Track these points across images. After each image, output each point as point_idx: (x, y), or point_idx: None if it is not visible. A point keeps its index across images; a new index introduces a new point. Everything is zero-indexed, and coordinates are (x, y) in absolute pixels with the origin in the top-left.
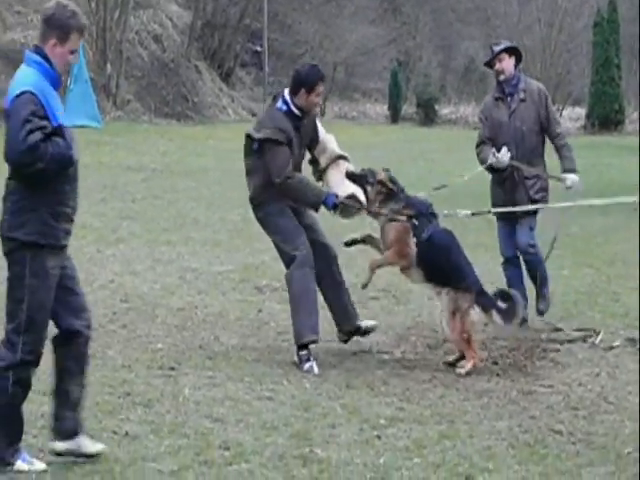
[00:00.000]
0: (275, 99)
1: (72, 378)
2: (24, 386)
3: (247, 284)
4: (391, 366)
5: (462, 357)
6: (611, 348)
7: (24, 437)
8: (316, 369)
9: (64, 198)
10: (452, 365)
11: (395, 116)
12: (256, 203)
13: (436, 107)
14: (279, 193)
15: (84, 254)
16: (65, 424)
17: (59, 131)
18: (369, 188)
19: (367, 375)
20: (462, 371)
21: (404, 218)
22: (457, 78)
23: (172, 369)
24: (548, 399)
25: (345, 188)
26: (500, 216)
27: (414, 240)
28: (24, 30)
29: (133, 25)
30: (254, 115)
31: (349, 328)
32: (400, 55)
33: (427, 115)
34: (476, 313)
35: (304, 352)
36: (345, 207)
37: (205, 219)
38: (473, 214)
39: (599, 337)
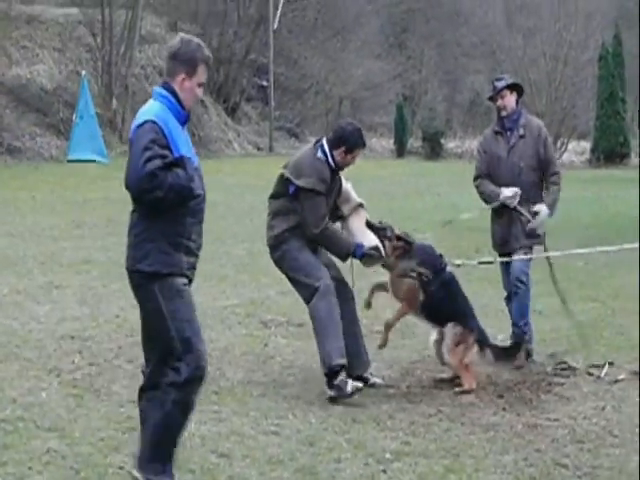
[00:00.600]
0: (315, 146)
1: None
2: (185, 406)
3: (253, 319)
4: (397, 400)
5: (455, 377)
6: (616, 381)
7: (27, 472)
8: (360, 384)
9: (185, 231)
10: (445, 382)
11: (401, 150)
12: (276, 243)
13: (442, 141)
14: (302, 234)
15: (89, 289)
16: None
17: (181, 162)
18: (386, 242)
19: (373, 409)
20: (457, 389)
21: (414, 274)
22: (463, 112)
23: None
24: (554, 433)
25: (369, 238)
26: (500, 252)
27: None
28: (29, 65)
29: (139, 60)
30: (260, 149)
31: (358, 373)
32: (405, 89)
33: (433, 149)
34: (475, 353)
35: (339, 378)
36: (370, 257)
37: (211, 253)
38: (480, 263)
39: (604, 370)
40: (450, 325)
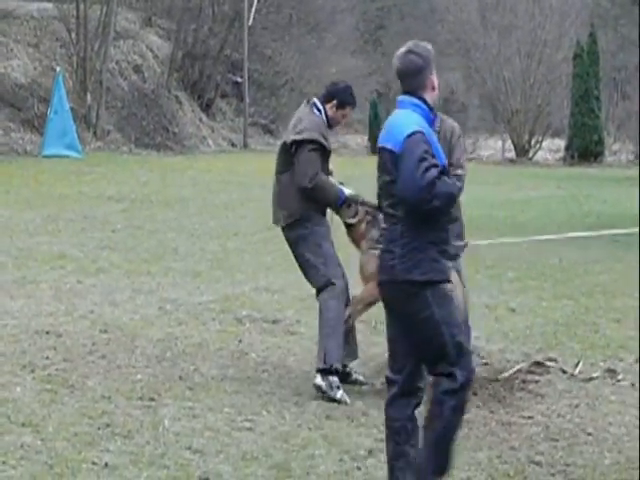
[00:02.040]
0: (309, 104)
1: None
2: (462, 411)
3: (227, 315)
4: (371, 397)
5: None
6: (590, 379)
7: (1, 467)
8: (347, 399)
9: (447, 237)
10: None
11: (375, 147)
12: (293, 223)
13: None
14: (316, 208)
15: (64, 284)
16: None
17: (445, 170)
18: (360, 208)
19: (347, 406)
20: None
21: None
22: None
23: (152, 400)
24: (527, 430)
25: (346, 189)
26: None
27: None
28: (4, 60)
29: (113, 55)
30: (234, 145)
31: (347, 362)
32: (380, 86)
33: None
34: None
35: (335, 378)
36: (349, 204)
37: (185, 249)
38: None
39: (578, 368)
40: None
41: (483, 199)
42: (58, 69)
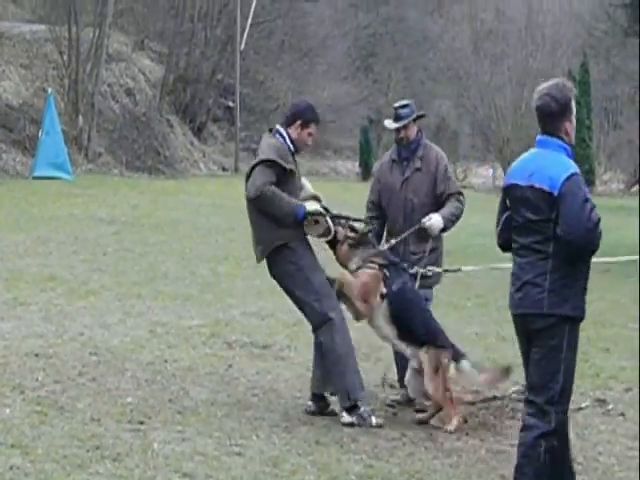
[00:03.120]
0: (272, 132)
1: None
2: (554, 455)
3: (217, 339)
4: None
5: (434, 413)
6: (580, 409)
7: None
8: (381, 421)
9: (588, 275)
10: (424, 423)
11: (366, 173)
12: (275, 256)
13: None
14: (299, 237)
15: (54, 306)
16: None
17: None
18: (339, 228)
19: (336, 432)
20: (451, 428)
21: (375, 266)
22: (429, 136)
23: (141, 423)
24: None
25: (314, 205)
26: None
27: (384, 290)
28: None
29: (105, 78)
30: (225, 170)
31: (319, 391)
32: (371, 112)
33: None
34: (452, 367)
35: (362, 409)
36: (311, 223)
37: (175, 273)
38: (445, 271)
39: None
40: (423, 350)
41: (474, 227)
42: (50, 91)
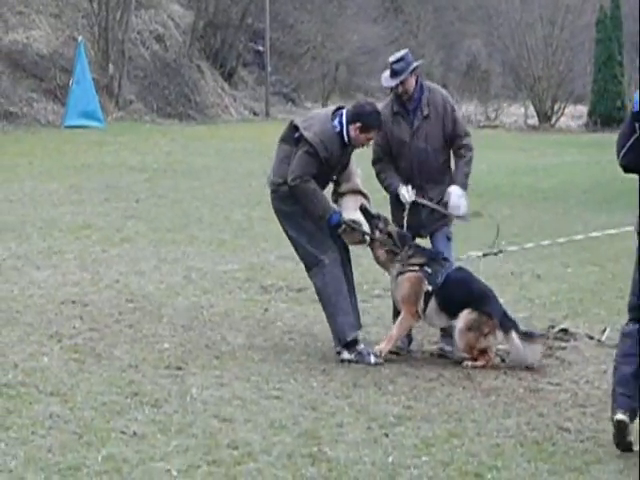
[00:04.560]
0: (335, 114)
1: None
2: None
3: (253, 284)
4: (398, 365)
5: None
6: (617, 346)
7: (30, 436)
8: (381, 359)
9: None
10: (461, 362)
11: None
12: (281, 193)
13: None
14: None
15: (89, 254)
16: None
17: None
18: (377, 232)
19: (374, 374)
20: (469, 363)
21: (416, 267)
22: (459, 76)
23: (179, 369)
24: (556, 397)
25: (352, 214)
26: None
27: (429, 288)
28: (26, 31)
29: (135, 25)
30: (256, 114)
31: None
32: None
33: None
34: (495, 340)
35: (361, 346)
36: (347, 230)
37: (209, 218)
38: (484, 255)
39: (605, 334)
40: (465, 311)
41: (506, 166)
42: (80, 39)
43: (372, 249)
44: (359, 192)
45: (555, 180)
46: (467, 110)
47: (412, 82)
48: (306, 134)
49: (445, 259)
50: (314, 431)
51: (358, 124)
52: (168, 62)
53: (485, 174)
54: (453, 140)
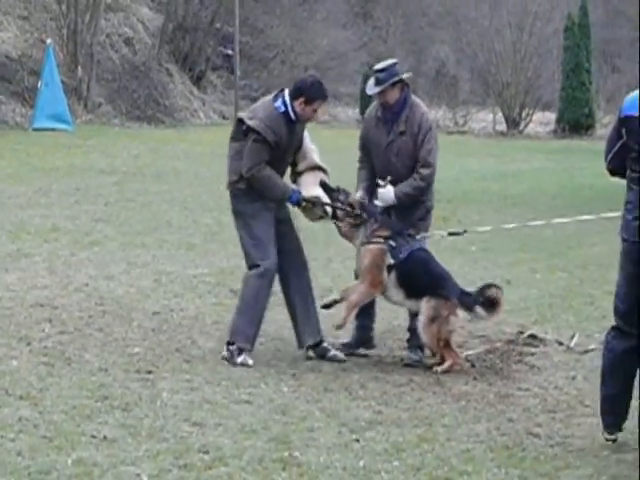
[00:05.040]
0: (276, 96)
1: None
2: None
3: (223, 288)
4: (368, 369)
5: (443, 361)
6: (586, 351)
7: (1, 441)
8: (250, 360)
9: None
10: (431, 368)
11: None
12: (237, 192)
13: None
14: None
15: (58, 257)
16: None
17: None
18: (339, 205)
19: (345, 378)
20: (439, 369)
21: (380, 239)
22: (428, 81)
23: (149, 373)
24: (525, 402)
25: (312, 190)
26: None
27: (391, 262)
28: None
29: (104, 28)
30: (225, 118)
31: (310, 342)
32: (371, 59)
33: None
34: (457, 319)
35: (234, 347)
36: (308, 207)
37: (179, 222)
38: (450, 234)
39: (574, 340)
40: (424, 300)
41: (475, 172)
42: (48, 41)
43: (335, 223)
44: (317, 167)
45: (524, 186)
46: (436, 115)
47: (393, 94)
48: (251, 123)
49: (411, 235)
50: (285, 436)
51: (302, 98)
52: (137, 65)
53: (454, 180)
54: (416, 162)
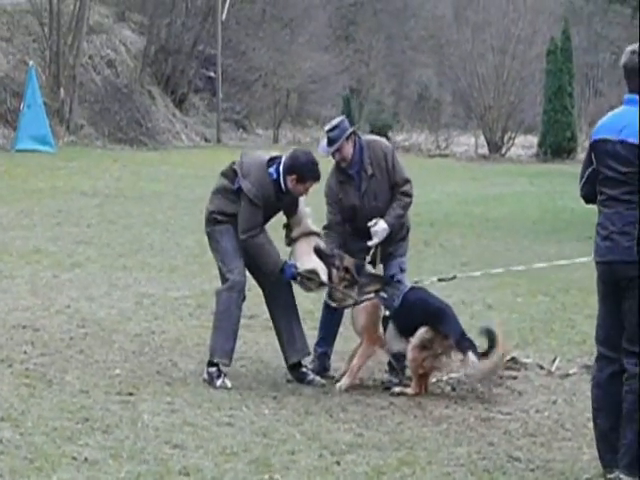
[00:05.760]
0: (272, 161)
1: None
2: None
3: (204, 310)
4: (349, 392)
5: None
6: (567, 375)
7: None
8: (229, 383)
9: None
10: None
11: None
12: (211, 218)
13: (389, 134)
14: (233, 224)
15: (40, 279)
16: None
17: None
18: (334, 270)
19: (325, 401)
20: (397, 389)
21: (371, 295)
22: (410, 105)
23: (130, 395)
24: (506, 426)
25: (307, 262)
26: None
27: (386, 313)
28: None
29: (87, 50)
30: (207, 141)
31: (292, 360)
32: (353, 82)
33: None
34: (448, 361)
35: (213, 369)
36: (304, 280)
37: (160, 244)
38: (440, 280)
39: (555, 364)
40: (422, 329)
41: (457, 195)
42: (31, 63)
43: (330, 292)
44: (310, 233)
45: (505, 210)
46: (418, 139)
47: (349, 148)
48: (243, 185)
49: (399, 281)
50: (266, 458)
51: (294, 176)
52: (119, 87)
53: (436, 203)
54: (393, 187)
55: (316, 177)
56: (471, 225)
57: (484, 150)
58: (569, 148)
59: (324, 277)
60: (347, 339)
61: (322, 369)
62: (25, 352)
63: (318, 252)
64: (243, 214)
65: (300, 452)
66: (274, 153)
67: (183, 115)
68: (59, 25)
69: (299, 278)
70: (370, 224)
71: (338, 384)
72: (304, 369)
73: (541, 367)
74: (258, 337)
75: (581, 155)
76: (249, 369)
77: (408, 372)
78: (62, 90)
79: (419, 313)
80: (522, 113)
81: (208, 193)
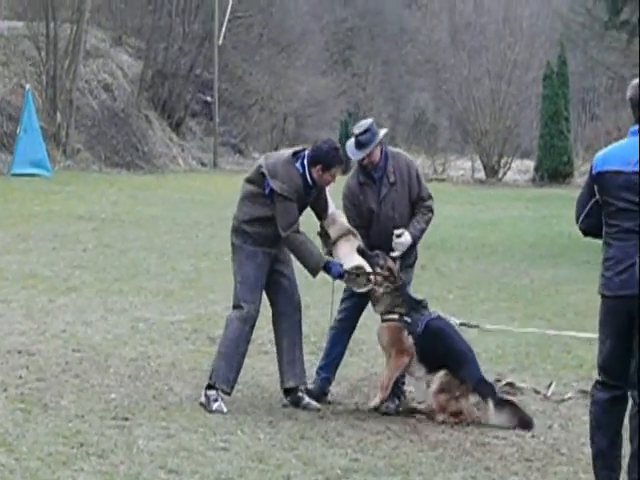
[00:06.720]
0: (296, 156)
1: None
2: None
3: (200, 334)
4: (345, 417)
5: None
6: (563, 400)
7: None
8: (224, 408)
9: None
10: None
11: (346, 167)
12: (240, 229)
13: None
14: (262, 235)
15: (35, 303)
16: None
17: None
18: (378, 270)
19: (321, 426)
20: (436, 418)
21: (395, 316)
22: (407, 129)
23: (126, 419)
24: (502, 450)
25: (351, 261)
26: None
27: (409, 337)
28: None
29: (83, 74)
30: (204, 165)
31: (289, 384)
32: (350, 106)
33: None
34: (467, 403)
35: (212, 392)
36: (351, 277)
37: (156, 269)
38: (462, 324)
39: (551, 389)
40: (441, 373)
41: (453, 219)
42: (28, 87)
43: (374, 290)
44: (348, 231)
45: (502, 234)
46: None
47: (378, 153)
48: (274, 186)
49: (424, 307)
50: None
51: (319, 166)
52: (116, 111)
53: (432, 227)
54: (416, 202)
55: (340, 161)
56: (467, 249)
57: (481, 174)
58: (565, 172)
59: (371, 275)
60: (343, 365)
61: (321, 394)
62: (20, 377)
63: (361, 252)
64: (280, 212)
65: (295, 477)
66: (297, 148)
67: (180, 139)
68: (56, 49)
69: (346, 275)
70: (397, 232)
71: (371, 403)
72: (300, 393)
73: (537, 392)
74: (254, 362)
75: (578, 179)
76: (245, 394)
77: (408, 395)
78: (59, 114)
79: (440, 349)
80: (518, 137)
81: (204, 217)
